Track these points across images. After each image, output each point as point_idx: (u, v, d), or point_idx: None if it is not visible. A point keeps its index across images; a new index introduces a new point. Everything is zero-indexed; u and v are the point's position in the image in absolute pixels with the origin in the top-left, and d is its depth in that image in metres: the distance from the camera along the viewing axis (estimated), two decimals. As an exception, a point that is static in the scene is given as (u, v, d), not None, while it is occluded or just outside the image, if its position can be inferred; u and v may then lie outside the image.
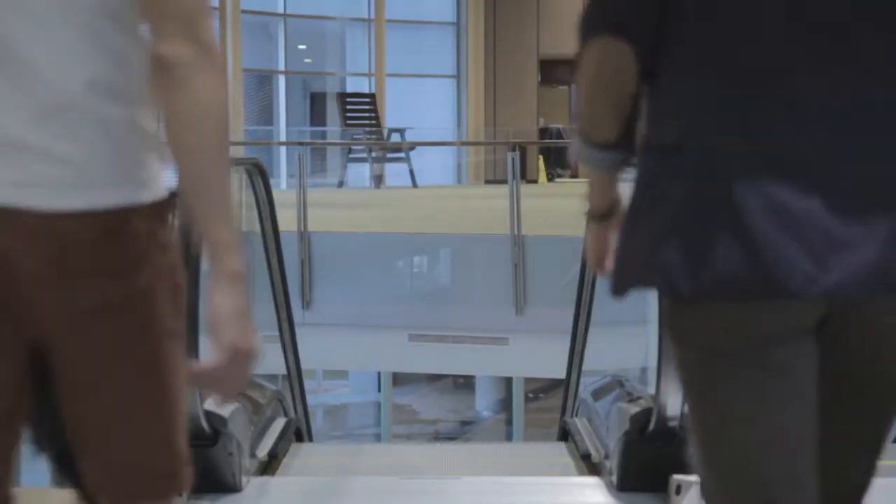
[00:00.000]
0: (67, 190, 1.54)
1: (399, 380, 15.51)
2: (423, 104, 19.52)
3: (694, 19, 1.66)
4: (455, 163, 19.04)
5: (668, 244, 1.61)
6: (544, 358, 8.56)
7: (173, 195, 1.63)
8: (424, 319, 9.52)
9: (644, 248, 1.65)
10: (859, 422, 1.75)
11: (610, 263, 1.82)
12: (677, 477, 3.62)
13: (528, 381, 13.29)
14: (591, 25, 1.72)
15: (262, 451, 4.74)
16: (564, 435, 5.88)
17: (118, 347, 1.61)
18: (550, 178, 18.45)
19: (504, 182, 10.32)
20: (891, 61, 1.61)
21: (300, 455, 5.25)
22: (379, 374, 14.38)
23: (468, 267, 10.00)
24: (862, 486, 1.80)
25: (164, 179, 1.63)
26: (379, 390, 14.88)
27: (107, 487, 1.69)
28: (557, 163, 19.32)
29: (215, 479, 3.85)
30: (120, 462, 1.67)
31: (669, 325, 1.74)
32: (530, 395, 14.44)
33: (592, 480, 4.43)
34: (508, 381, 13.84)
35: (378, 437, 14.71)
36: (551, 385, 13.17)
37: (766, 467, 1.66)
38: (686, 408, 1.77)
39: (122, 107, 1.58)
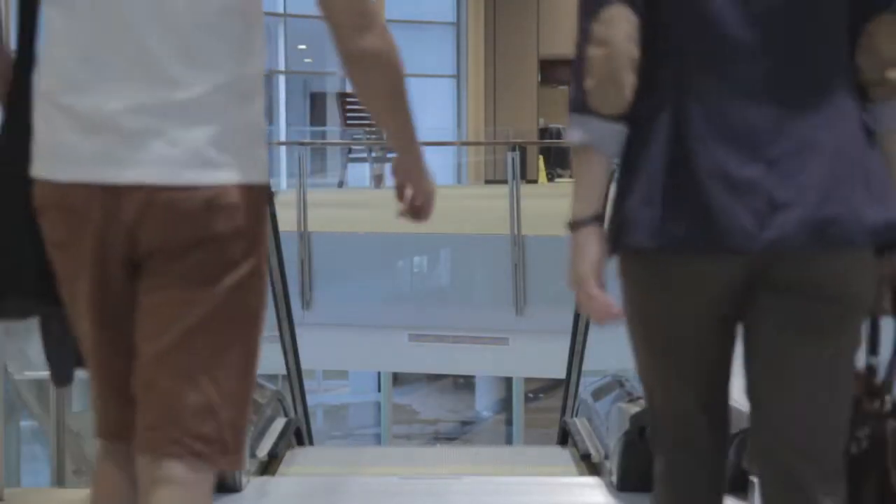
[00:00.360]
0: (179, 168, 1.79)
1: (399, 380, 15.51)
2: (423, 104, 19.47)
3: (666, 9, 1.90)
4: (455, 163, 19.01)
5: (644, 210, 1.88)
6: (544, 358, 8.56)
7: (270, 189, 1.91)
8: (424, 319, 9.51)
9: (629, 212, 1.90)
10: (799, 363, 1.95)
11: (606, 298, 1.94)
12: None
13: (528, 381, 13.28)
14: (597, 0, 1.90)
15: (262, 451, 4.75)
16: (565, 435, 5.89)
17: (194, 299, 1.81)
18: (550, 178, 18.45)
19: (504, 182, 10.31)
20: (826, 62, 1.90)
21: (300, 456, 5.26)
22: (379, 374, 14.37)
23: (468, 267, 10.00)
24: (816, 428, 1.97)
25: (265, 167, 1.89)
26: (379, 390, 14.87)
27: (150, 434, 1.84)
28: (557, 163, 19.31)
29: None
30: (160, 407, 1.82)
31: (624, 273, 1.98)
32: (530, 395, 14.44)
33: (592, 480, 4.44)
34: (508, 381, 13.83)
35: (378, 438, 14.70)
36: (551, 385, 13.17)
37: (670, 376, 2.03)
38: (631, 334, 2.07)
39: (239, 102, 1.83)
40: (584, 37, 1.90)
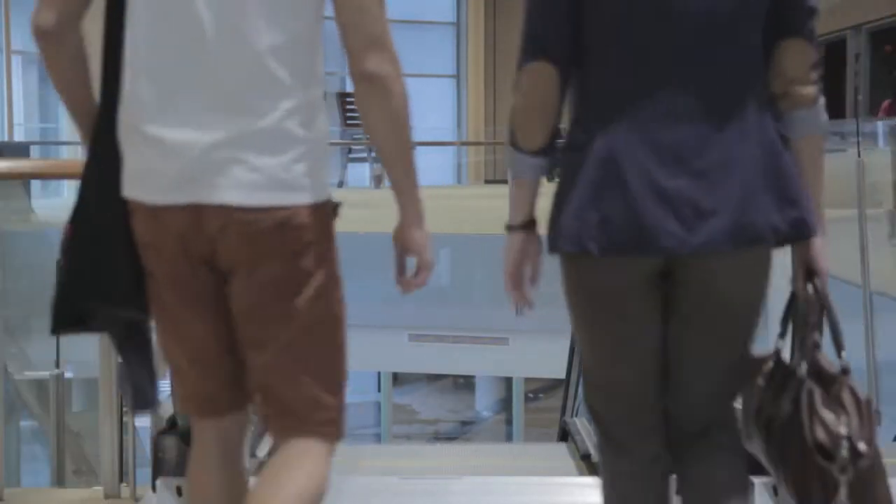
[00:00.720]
0: (257, 191, 1.99)
1: (399, 380, 15.52)
2: (423, 104, 19.48)
3: (594, 57, 2.22)
4: (455, 163, 19.02)
5: (582, 218, 2.19)
6: (544, 358, 8.57)
7: (336, 203, 2.12)
8: (424, 319, 9.52)
9: (567, 220, 2.21)
10: (703, 343, 2.32)
11: (526, 285, 2.38)
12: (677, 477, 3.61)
13: (528, 381, 13.30)
14: (526, 53, 2.30)
15: (262, 451, 4.74)
16: (564, 435, 5.89)
17: (283, 314, 2.06)
18: (550, 178, 18.44)
19: (504, 182, 10.30)
20: (743, 82, 2.20)
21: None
22: (379, 374, 14.38)
23: (468, 267, 10.00)
24: (712, 397, 2.38)
25: (329, 186, 2.09)
26: (379, 390, 14.89)
27: (270, 421, 2.16)
28: (557, 162, 19.31)
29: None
30: (277, 403, 2.13)
31: (565, 268, 2.31)
32: (530, 395, 14.45)
33: (592, 480, 4.43)
34: (508, 381, 13.85)
35: (378, 437, 14.71)
36: (551, 385, 13.18)
37: (617, 370, 2.37)
38: (577, 331, 2.44)
39: (308, 125, 2.01)
40: (515, 86, 2.28)
